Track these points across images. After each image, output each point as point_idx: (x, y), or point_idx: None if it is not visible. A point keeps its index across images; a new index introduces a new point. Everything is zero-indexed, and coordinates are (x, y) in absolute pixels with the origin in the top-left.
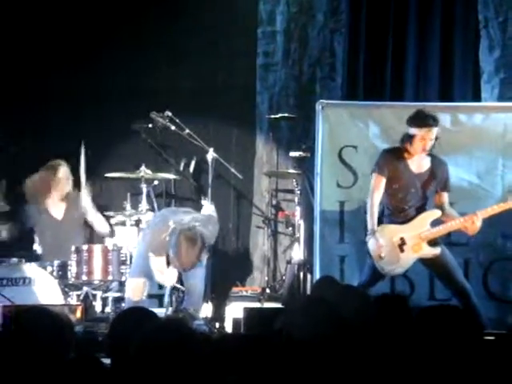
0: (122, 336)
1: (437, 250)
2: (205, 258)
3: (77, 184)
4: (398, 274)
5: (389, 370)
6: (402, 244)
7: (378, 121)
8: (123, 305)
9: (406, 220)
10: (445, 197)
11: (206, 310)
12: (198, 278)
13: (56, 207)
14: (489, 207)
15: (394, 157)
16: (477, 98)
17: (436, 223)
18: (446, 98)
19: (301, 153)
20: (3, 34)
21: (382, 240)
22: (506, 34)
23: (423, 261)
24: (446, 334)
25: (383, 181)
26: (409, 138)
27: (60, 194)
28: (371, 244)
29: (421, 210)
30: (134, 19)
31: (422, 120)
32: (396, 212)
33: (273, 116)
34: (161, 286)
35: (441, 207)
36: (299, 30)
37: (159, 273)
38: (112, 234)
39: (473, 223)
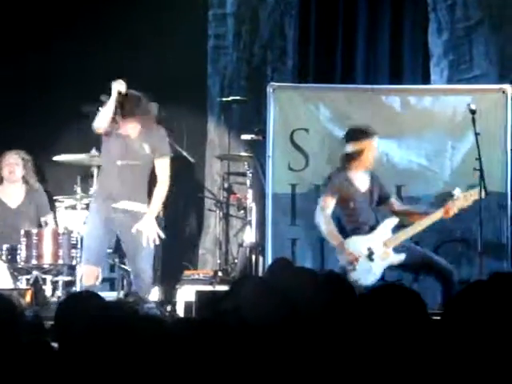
0: (68, 320)
1: (401, 257)
2: (151, 242)
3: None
4: (371, 283)
5: (336, 353)
6: (370, 254)
7: (329, 104)
8: (74, 289)
9: (366, 232)
10: (393, 202)
11: (157, 293)
12: (144, 261)
13: (9, 196)
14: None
15: (340, 176)
16: (426, 80)
17: (396, 229)
18: (396, 81)
19: (252, 136)
20: None
21: (353, 251)
22: (455, 17)
23: (399, 266)
24: (389, 313)
25: (333, 201)
26: (348, 157)
27: (11, 180)
28: (343, 257)
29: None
30: (85, 2)
31: (358, 134)
32: (349, 227)
33: (224, 99)
34: (112, 269)
35: (395, 212)
36: (250, 13)
37: None
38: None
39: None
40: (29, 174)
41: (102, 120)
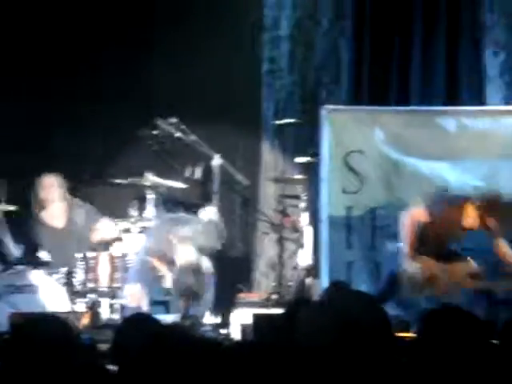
0: (125, 343)
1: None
2: (210, 266)
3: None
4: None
5: (395, 376)
6: (432, 279)
7: (384, 126)
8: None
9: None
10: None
11: (213, 316)
12: (207, 285)
13: (53, 217)
14: None
15: (453, 209)
16: (482, 102)
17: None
18: (451, 103)
19: (307, 158)
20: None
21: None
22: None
23: None
24: (448, 336)
25: (426, 218)
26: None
27: (50, 201)
28: (408, 266)
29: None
30: (141, 24)
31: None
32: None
33: (278, 122)
34: (167, 293)
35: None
36: (305, 36)
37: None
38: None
39: None
40: (66, 192)
41: None
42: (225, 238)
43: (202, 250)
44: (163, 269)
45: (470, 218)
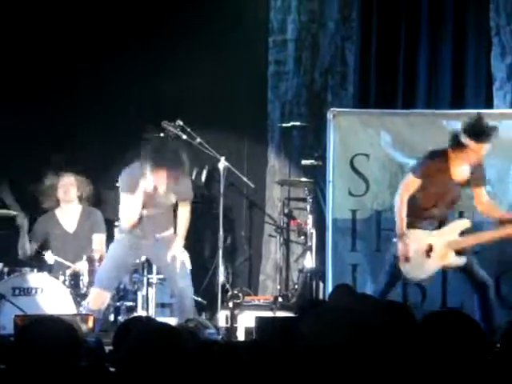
0: (124, 345)
1: (462, 260)
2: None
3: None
4: (420, 280)
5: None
6: (429, 251)
7: (390, 129)
8: (135, 314)
9: (429, 226)
10: (483, 191)
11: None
12: (187, 282)
13: (66, 218)
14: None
15: (437, 162)
16: (489, 105)
17: (465, 233)
18: (457, 105)
19: (312, 161)
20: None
21: (412, 244)
22: None
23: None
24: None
25: (416, 184)
26: (460, 146)
27: (66, 201)
28: (399, 247)
29: (445, 219)
30: (146, 28)
31: (482, 135)
32: (420, 217)
33: (284, 124)
34: (172, 295)
35: (482, 204)
36: (310, 39)
37: None
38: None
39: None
40: (84, 194)
41: (133, 214)
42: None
43: None
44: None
45: (456, 165)
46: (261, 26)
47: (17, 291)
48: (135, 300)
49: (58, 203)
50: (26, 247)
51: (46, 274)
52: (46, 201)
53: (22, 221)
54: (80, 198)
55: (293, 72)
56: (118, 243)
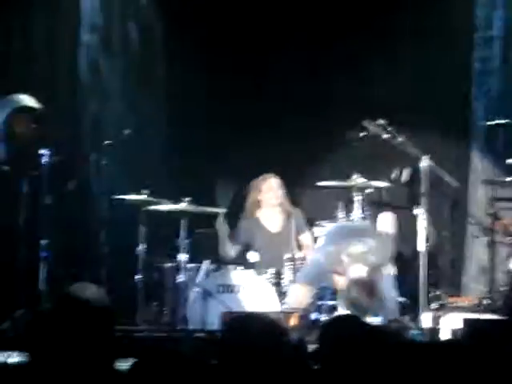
0: (332, 344)
1: None
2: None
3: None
4: None
5: None
6: None
7: None
8: (335, 313)
9: None
10: None
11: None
12: (389, 284)
13: (270, 220)
14: None
15: None
16: None
17: None
18: None
19: None
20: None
21: None
22: None
23: None
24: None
25: None
26: None
27: (272, 205)
28: None
29: None
30: (354, 29)
31: None
32: None
33: (489, 123)
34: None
35: None
36: None
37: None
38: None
39: None
40: (286, 197)
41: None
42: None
43: (371, 266)
44: (335, 279)
45: None
46: (466, 22)
47: (221, 288)
48: (335, 299)
49: (259, 205)
50: (227, 250)
51: (250, 271)
52: (249, 204)
53: (221, 223)
54: (283, 203)
55: (499, 69)
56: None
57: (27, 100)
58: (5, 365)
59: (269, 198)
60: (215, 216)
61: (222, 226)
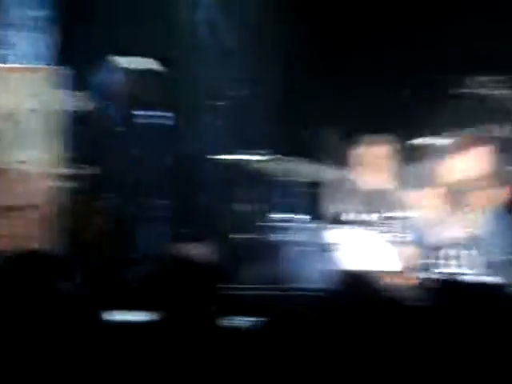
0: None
1: None
2: None
3: None
4: None
5: None
6: None
7: None
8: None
9: None
10: None
11: None
12: None
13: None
14: None
15: None
16: None
17: None
18: None
19: None
20: None
21: None
22: None
23: None
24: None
25: None
26: None
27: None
28: None
29: None
30: None
31: None
32: None
33: None
34: None
35: None
36: None
37: None
38: None
39: None
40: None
41: None
42: None
43: None
44: None
45: None
46: None
47: (334, 246)
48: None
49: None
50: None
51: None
52: None
53: None
54: (387, 159)
55: None
56: None
57: (149, 63)
58: (131, 323)
59: (376, 158)
60: None
61: None
